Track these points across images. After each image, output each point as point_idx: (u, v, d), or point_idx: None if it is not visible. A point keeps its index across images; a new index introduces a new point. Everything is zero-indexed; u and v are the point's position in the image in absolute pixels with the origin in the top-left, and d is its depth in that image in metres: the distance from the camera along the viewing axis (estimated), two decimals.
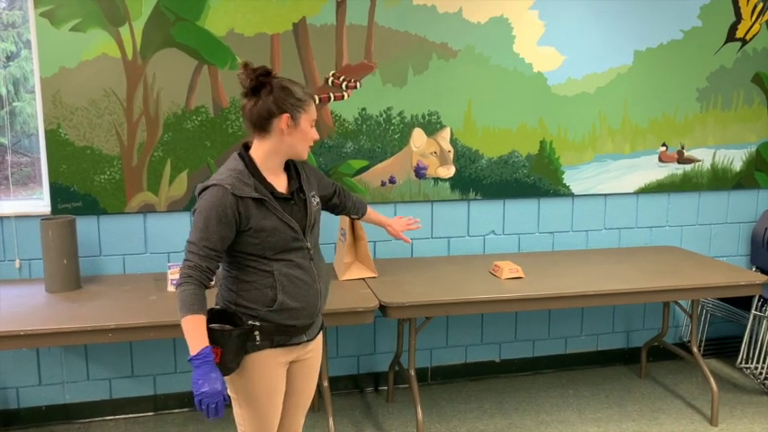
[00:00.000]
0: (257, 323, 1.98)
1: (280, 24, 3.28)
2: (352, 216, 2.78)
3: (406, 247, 3.62)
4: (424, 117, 3.54)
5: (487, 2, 3.51)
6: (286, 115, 1.96)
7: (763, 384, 3.74)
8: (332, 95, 3.39)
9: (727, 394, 3.66)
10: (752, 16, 3.90)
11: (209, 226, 1.89)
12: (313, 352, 2.18)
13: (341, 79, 3.39)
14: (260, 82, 1.95)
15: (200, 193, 1.95)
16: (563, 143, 3.75)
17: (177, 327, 2.52)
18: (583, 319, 3.99)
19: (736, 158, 4.05)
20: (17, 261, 3.16)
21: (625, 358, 4.09)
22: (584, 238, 3.89)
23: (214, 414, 1.85)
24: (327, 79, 3.38)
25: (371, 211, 2.85)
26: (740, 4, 3.87)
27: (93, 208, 3.20)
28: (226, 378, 1.98)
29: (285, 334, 2.03)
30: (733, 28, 3.89)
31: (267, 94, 1.94)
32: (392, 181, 3.54)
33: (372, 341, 3.68)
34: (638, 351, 3.97)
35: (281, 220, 1.97)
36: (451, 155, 3.60)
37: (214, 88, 3.25)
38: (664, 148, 3.92)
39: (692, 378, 3.86)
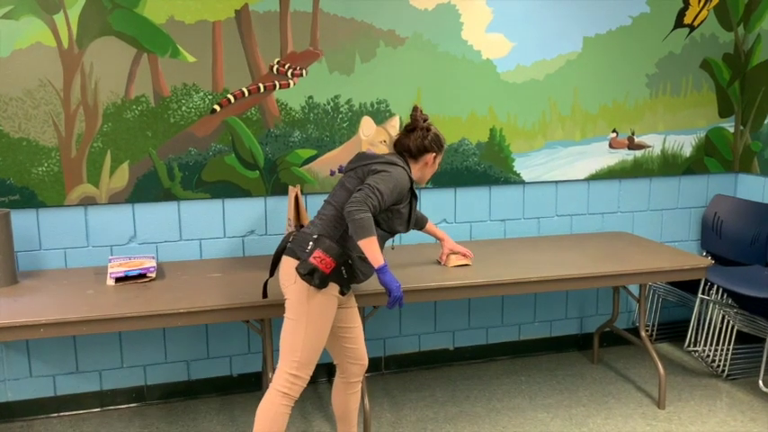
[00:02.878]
0: (349, 260, 2.45)
1: (221, 11, 3.22)
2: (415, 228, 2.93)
3: None
4: (372, 105, 3.50)
5: None
6: (434, 154, 2.61)
7: (711, 367, 3.79)
8: (277, 84, 3.34)
9: (676, 378, 3.70)
10: (699, 2, 3.92)
11: (392, 192, 2.40)
12: (354, 303, 2.70)
13: (286, 67, 3.34)
14: (421, 126, 2.58)
15: (387, 163, 2.47)
16: (513, 130, 3.75)
17: (110, 321, 2.53)
18: (536, 306, 4.00)
19: (686, 144, 4.09)
20: None
21: (579, 344, 4.12)
22: (536, 226, 3.90)
23: (401, 304, 2.46)
24: (272, 67, 3.33)
25: (431, 225, 3.13)
26: None
27: (31, 201, 3.12)
28: (299, 302, 2.40)
29: (353, 282, 2.52)
30: (681, 14, 3.91)
31: (425, 133, 2.57)
32: (341, 170, 3.49)
33: None
34: (592, 337, 4.00)
35: (409, 212, 2.56)
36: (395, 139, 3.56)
37: (154, 77, 3.18)
38: (614, 135, 3.93)
39: (643, 362, 3.90)
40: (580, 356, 4.03)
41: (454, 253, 3.16)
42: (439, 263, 3.23)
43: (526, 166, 3.81)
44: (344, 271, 2.45)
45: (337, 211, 2.45)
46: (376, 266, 2.40)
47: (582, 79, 3.81)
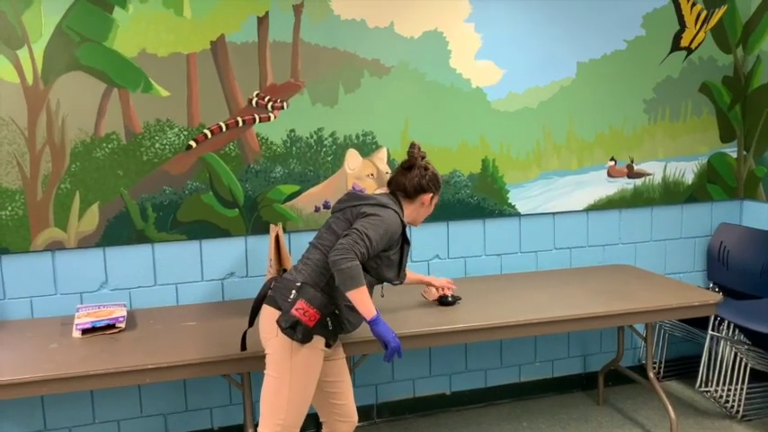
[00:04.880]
0: (336, 311, 2.29)
1: (196, 43, 3.06)
2: (395, 282, 2.54)
3: None
4: (358, 137, 3.33)
5: (420, 15, 3.33)
6: (431, 195, 2.48)
7: (724, 408, 3.56)
8: (257, 117, 3.17)
9: (688, 419, 3.47)
10: (696, 24, 3.78)
11: (382, 238, 2.25)
12: (341, 354, 2.49)
13: (266, 100, 3.17)
14: (419, 164, 2.45)
15: (377, 205, 2.32)
16: (506, 161, 3.57)
17: (73, 380, 2.31)
18: (536, 345, 3.79)
19: (687, 171, 3.92)
20: None
21: (582, 384, 3.89)
22: (534, 260, 3.70)
23: (400, 354, 2.27)
24: (251, 100, 3.16)
25: (411, 273, 2.86)
26: (683, 12, 3.76)
27: None
28: (281, 358, 2.23)
29: (340, 333, 2.37)
30: (677, 37, 3.78)
31: (424, 172, 2.44)
32: (327, 206, 3.31)
33: None
34: (596, 376, 3.77)
35: (400, 258, 2.41)
36: (389, 176, 3.39)
37: (125, 113, 3.01)
38: (612, 163, 3.76)
39: (652, 403, 3.66)
40: (584, 397, 3.80)
41: (444, 301, 2.97)
42: (424, 297, 3.05)
43: (521, 198, 3.62)
44: (330, 322, 2.27)
45: (323, 256, 2.29)
46: (368, 318, 2.23)
47: (577, 106, 3.65)
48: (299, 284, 2.25)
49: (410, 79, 3.36)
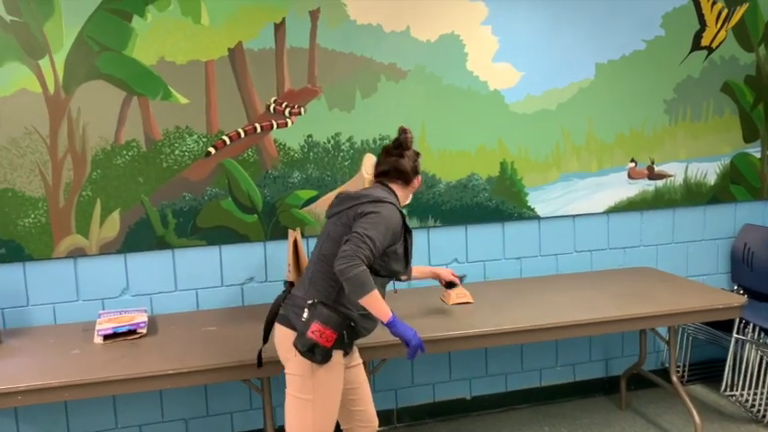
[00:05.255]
0: (351, 323, 2.22)
1: (214, 50, 3.08)
2: (402, 278, 2.53)
3: None
4: (375, 142, 3.33)
5: (436, 19, 3.33)
6: (420, 177, 2.46)
7: (750, 412, 3.50)
8: (275, 123, 3.18)
9: (713, 424, 3.41)
10: (716, 23, 3.73)
11: (385, 234, 2.18)
12: (358, 359, 2.45)
13: (283, 105, 3.19)
14: (411, 147, 2.41)
15: (374, 201, 2.23)
16: (525, 163, 3.55)
17: (94, 385, 2.33)
18: (558, 349, 3.75)
19: (709, 171, 3.86)
20: None
21: (605, 388, 3.85)
22: (554, 263, 3.67)
23: (423, 350, 2.26)
24: (269, 106, 3.17)
25: (415, 267, 2.75)
26: (704, 11, 3.71)
27: (17, 254, 2.96)
28: (302, 378, 2.18)
29: (356, 339, 2.31)
30: (698, 36, 3.73)
31: (416, 155, 2.42)
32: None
33: None
34: (618, 380, 3.73)
35: (405, 250, 2.32)
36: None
37: (145, 120, 3.04)
38: (633, 164, 3.72)
39: (676, 407, 3.61)
40: (607, 402, 3.76)
41: (451, 285, 2.92)
42: (443, 301, 3.03)
43: (541, 201, 3.60)
44: (347, 335, 2.22)
45: (329, 267, 2.21)
46: (385, 321, 2.20)
47: (596, 107, 3.62)
48: (310, 302, 2.19)
49: (427, 83, 3.35)
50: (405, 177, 2.39)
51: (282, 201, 3.24)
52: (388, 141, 3.29)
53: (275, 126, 3.19)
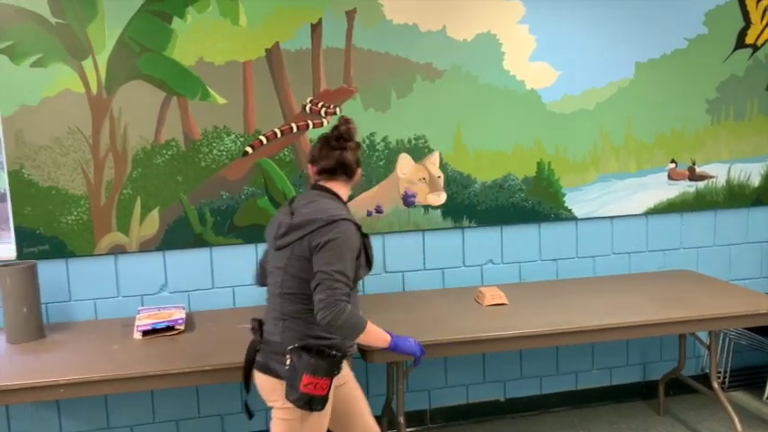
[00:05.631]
0: (337, 353, 2.11)
1: (252, 51, 3.12)
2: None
3: (397, 281, 3.39)
4: (410, 141, 3.33)
5: (473, 18, 3.31)
6: (361, 170, 2.30)
7: None
8: (310, 123, 3.20)
9: None
10: (762, 20, 3.63)
11: (351, 258, 2.06)
12: (349, 375, 2.37)
13: (319, 105, 3.21)
14: (355, 138, 2.25)
15: (326, 225, 2.05)
16: (562, 163, 3.51)
17: (133, 380, 2.38)
18: (594, 352, 3.70)
19: (753, 173, 3.76)
20: None
21: (642, 393, 3.78)
22: (591, 265, 3.62)
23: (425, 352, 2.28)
24: (305, 106, 3.20)
25: None
26: (749, 9, 3.61)
27: (60, 251, 3.04)
28: (293, 421, 2.09)
29: (344, 360, 2.20)
30: (742, 34, 3.63)
31: (357, 148, 2.25)
32: (379, 210, 3.32)
33: (365, 382, 3.43)
34: (656, 385, 3.65)
35: (366, 256, 2.18)
36: (442, 180, 3.38)
37: (184, 120, 3.09)
38: (673, 165, 3.64)
39: (717, 414, 3.53)
40: (644, 407, 3.69)
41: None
42: (476, 301, 3.02)
43: (578, 201, 3.55)
44: (336, 367, 2.12)
45: (297, 305, 2.10)
46: (386, 346, 2.20)
47: (636, 107, 3.55)
48: (291, 348, 2.06)
49: (463, 82, 3.34)
50: (349, 172, 2.23)
51: None
52: (423, 141, 3.34)
53: (311, 126, 3.21)
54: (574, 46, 3.44)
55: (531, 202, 3.50)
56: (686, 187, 3.68)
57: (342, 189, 2.25)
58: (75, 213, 3.03)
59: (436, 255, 3.43)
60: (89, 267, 3.09)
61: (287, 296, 2.12)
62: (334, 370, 2.09)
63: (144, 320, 2.81)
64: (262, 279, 2.44)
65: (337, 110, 3.22)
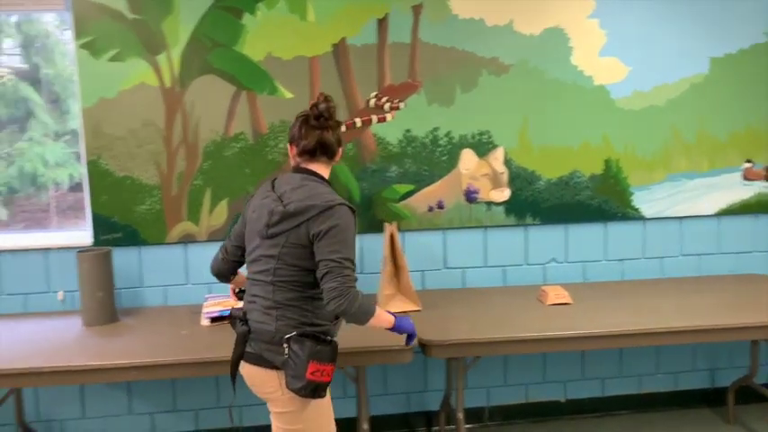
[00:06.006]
0: (333, 339, 2.08)
1: (319, 46, 3.16)
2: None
3: (457, 277, 3.38)
4: (473, 137, 3.31)
5: (541, 12, 3.26)
6: (343, 148, 2.22)
7: None
8: (374, 118, 3.23)
9: None
10: None
11: (354, 241, 2.03)
12: None
13: (383, 100, 3.22)
14: (334, 117, 2.14)
15: (324, 211, 2.00)
16: (631, 161, 3.42)
17: (200, 365, 2.46)
18: (659, 356, 3.59)
19: None
20: (60, 293, 3.16)
21: (709, 400, 3.65)
22: (659, 266, 3.52)
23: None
24: (369, 101, 3.22)
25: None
26: None
27: (133, 239, 3.16)
28: (297, 410, 2.04)
29: None
30: None
31: (338, 127, 2.16)
32: (440, 206, 3.32)
33: (423, 377, 3.44)
34: (725, 392, 3.52)
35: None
36: (505, 177, 3.35)
37: (253, 114, 3.16)
38: (749, 165, 3.50)
39: None
40: (712, 414, 3.56)
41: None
42: (539, 300, 2.98)
43: (646, 201, 3.45)
44: (336, 352, 2.08)
45: (293, 293, 2.03)
46: (390, 326, 2.14)
47: (709, 104, 3.43)
48: (289, 337, 2.00)
49: (529, 77, 3.29)
50: (330, 153, 2.14)
51: (379, 194, 3.28)
52: (487, 137, 3.31)
53: (375, 120, 3.23)
54: (645, 41, 3.34)
55: (598, 201, 3.42)
56: (762, 188, 3.52)
57: (324, 171, 2.16)
58: (148, 203, 3.15)
59: (498, 252, 3.40)
60: (160, 255, 3.20)
61: (281, 284, 2.04)
62: (336, 355, 2.05)
63: (211, 307, 2.89)
64: (220, 267, 2.37)
65: (401, 105, 3.23)
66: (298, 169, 2.15)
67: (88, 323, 2.89)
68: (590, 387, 3.57)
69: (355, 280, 1.98)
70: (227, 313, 2.85)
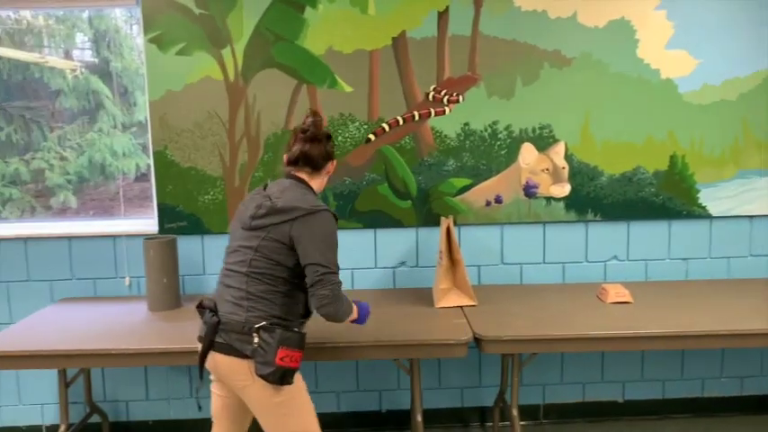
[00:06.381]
0: (300, 332, 2.15)
1: (379, 40, 3.17)
2: None
3: (515, 273, 3.35)
4: (534, 131, 3.26)
5: (606, 4, 3.18)
6: (335, 161, 2.33)
7: None
8: (432, 111, 3.22)
9: None
10: None
11: (336, 244, 2.14)
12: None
13: (442, 93, 3.21)
14: (323, 131, 2.27)
15: (308, 215, 2.10)
16: (698, 157, 3.31)
17: None
18: (724, 359, 3.47)
19: None
20: (127, 279, 3.28)
21: None
22: (725, 266, 3.39)
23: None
24: (428, 94, 3.22)
25: None
26: None
27: (197, 227, 3.26)
28: (270, 396, 2.10)
29: None
30: None
31: (326, 141, 2.27)
32: (498, 200, 3.29)
33: (478, 372, 3.43)
34: None
35: None
36: (566, 172, 3.29)
37: (313, 107, 3.20)
38: None
39: None
40: None
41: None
42: (599, 298, 2.93)
43: (714, 198, 3.33)
44: (303, 341, 2.16)
45: (266, 285, 2.10)
46: (354, 320, 2.26)
47: None
48: (259, 326, 2.06)
49: (593, 70, 3.22)
50: (313, 164, 2.24)
51: (436, 188, 3.28)
52: (548, 131, 3.26)
53: (433, 114, 3.23)
54: (716, 33, 3.22)
55: (662, 198, 3.33)
56: None
57: (312, 181, 2.27)
58: (212, 193, 3.24)
59: (557, 248, 3.35)
60: (222, 244, 3.25)
61: (255, 276, 2.11)
62: (304, 343, 2.12)
63: None
64: None
65: (460, 98, 3.21)
66: (288, 176, 2.28)
67: (153, 308, 3.00)
68: (650, 388, 3.48)
69: (341, 284, 2.11)
70: None
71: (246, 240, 2.15)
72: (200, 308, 2.21)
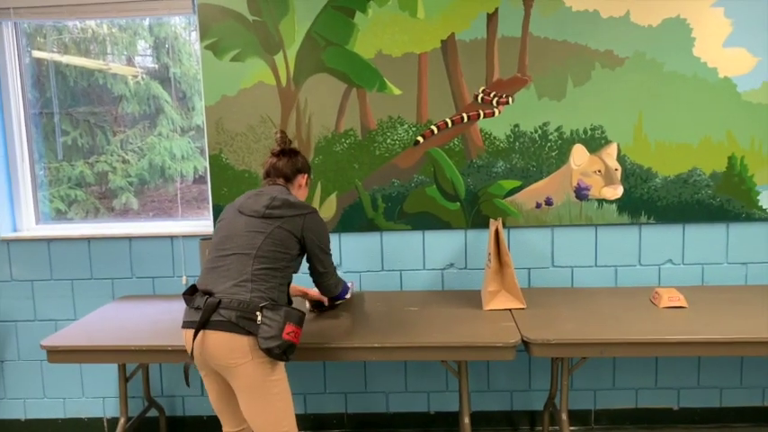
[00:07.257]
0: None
1: (428, 43, 3.19)
2: None
3: (566, 276, 3.31)
4: (585, 132, 3.22)
5: (660, 2, 3.12)
6: (306, 175, 2.59)
7: None
8: (481, 113, 3.22)
9: None
10: None
11: (329, 239, 2.52)
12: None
13: (491, 95, 3.21)
14: (291, 148, 2.56)
15: (312, 213, 2.41)
16: (758, 159, 3.20)
17: (308, 350, 2.56)
18: None
19: None
20: (184, 278, 3.40)
21: None
22: None
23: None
24: (477, 96, 3.22)
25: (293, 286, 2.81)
26: None
27: None
28: (263, 377, 2.22)
29: None
30: None
31: (295, 156, 2.55)
32: (549, 202, 3.26)
33: (527, 376, 3.40)
34: None
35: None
36: (619, 173, 3.24)
37: (362, 111, 3.24)
38: None
39: None
40: None
41: (318, 305, 2.95)
42: (651, 302, 2.87)
43: None
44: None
45: (270, 265, 2.28)
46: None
47: None
48: (263, 305, 2.18)
49: (646, 70, 3.16)
50: (283, 175, 2.51)
51: (485, 190, 3.27)
52: (600, 132, 3.21)
53: (482, 116, 3.23)
54: None
55: (720, 200, 3.23)
56: None
57: (292, 190, 2.54)
58: None
59: (609, 251, 3.30)
60: None
61: (261, 258, 2.27)
62: (303, 322, 2.25)
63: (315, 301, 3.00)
64: None
65: (510, 99, 3.20)
66: (273, 183, 2.51)
67: None
68: (706, 396, 3.39)
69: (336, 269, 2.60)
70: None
71: (257, 226, 2.32)
72: (188, 295, 2.31)
